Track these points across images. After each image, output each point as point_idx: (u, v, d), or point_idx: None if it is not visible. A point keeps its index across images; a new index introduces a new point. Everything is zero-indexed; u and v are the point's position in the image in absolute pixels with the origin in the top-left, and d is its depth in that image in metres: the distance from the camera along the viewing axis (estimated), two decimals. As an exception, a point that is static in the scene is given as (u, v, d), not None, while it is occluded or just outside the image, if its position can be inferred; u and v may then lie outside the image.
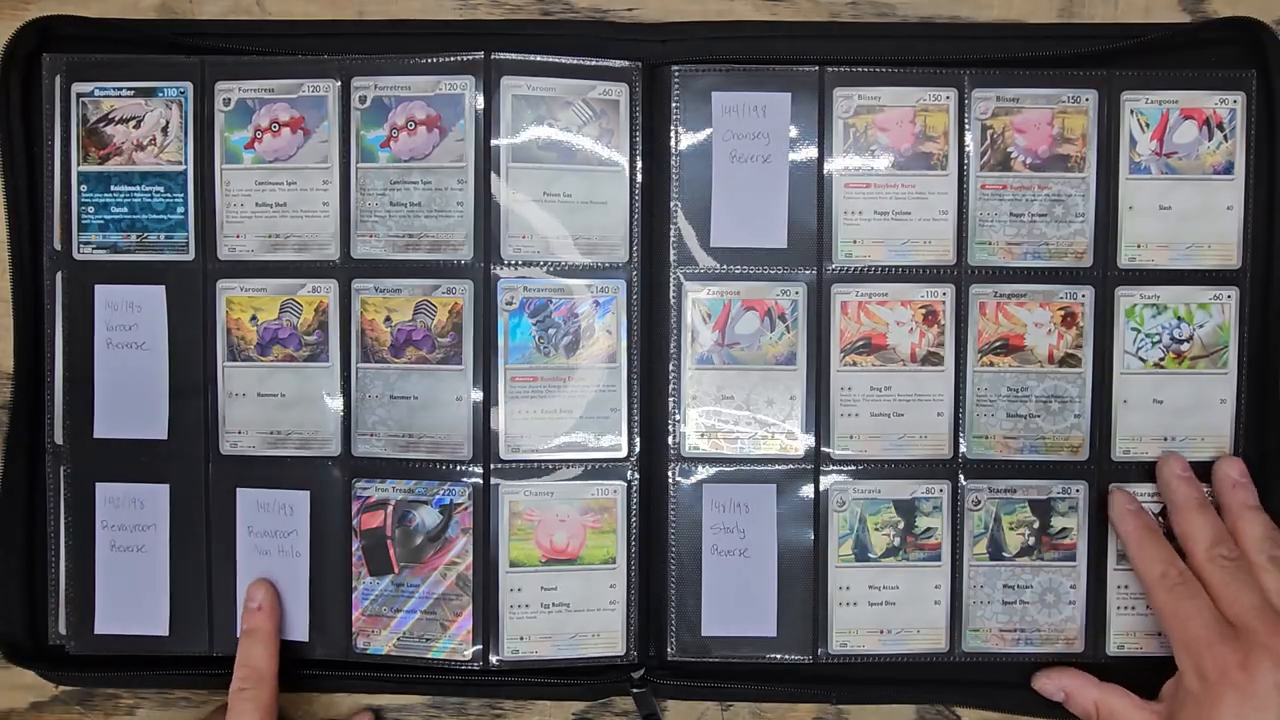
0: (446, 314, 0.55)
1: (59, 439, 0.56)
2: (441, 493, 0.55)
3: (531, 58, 0.55)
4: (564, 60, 0.55)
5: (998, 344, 0.57)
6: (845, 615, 0.57)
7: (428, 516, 0.55)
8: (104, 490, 0.56)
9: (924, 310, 0.57)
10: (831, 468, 0.57)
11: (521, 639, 0.55)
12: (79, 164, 0.56)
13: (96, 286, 0.56)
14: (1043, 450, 0.57)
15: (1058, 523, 0.57)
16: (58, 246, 0.56)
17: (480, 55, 0.55)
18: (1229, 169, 0.56)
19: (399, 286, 0.55)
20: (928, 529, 0.57)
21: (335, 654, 0.56)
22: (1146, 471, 0.57)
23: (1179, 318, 0.56)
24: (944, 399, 0.57)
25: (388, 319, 0.55)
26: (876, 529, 0.57)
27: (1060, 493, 0.57)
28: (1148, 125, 0.56)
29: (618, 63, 0.56)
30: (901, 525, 0.57)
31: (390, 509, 0.55)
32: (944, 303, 0.57)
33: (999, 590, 0.57)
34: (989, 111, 0.56)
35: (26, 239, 0.56)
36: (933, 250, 0.57)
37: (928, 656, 0.57)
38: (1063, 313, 0.56)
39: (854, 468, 0.57)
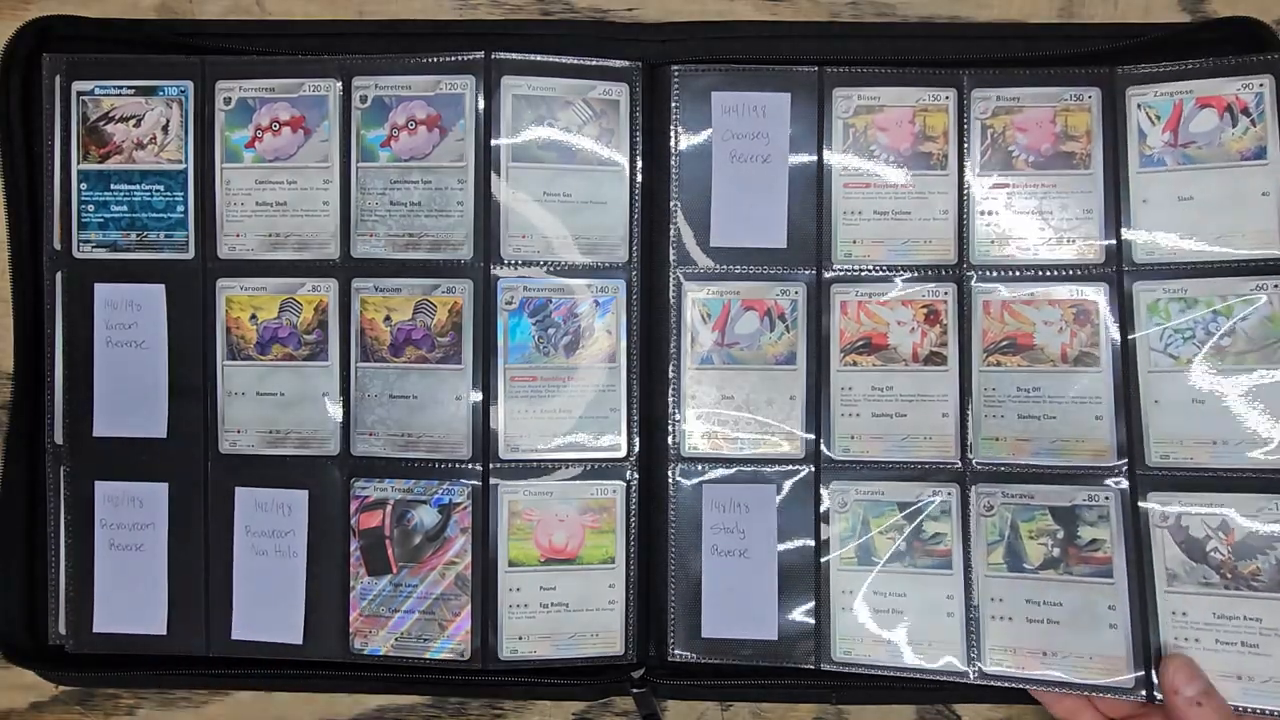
0: (446, 313, 0.55)
1: (59, 438, 0.56)
2: (440, 492, 0.55)
3: (532, 58, 0.55)
4: (564, 60, 0.55)
5: (1004, 343, 0.55)
6: (849, 621, 0.55)
7: (426, 516, 0.55)
8: (103, 489, 0.56)
9: (926, 310, 0.56)
10: (833, 468, 0.56)
11: (520, 639, 0.55)
12: (79, 162, 0.56)
13: (96, 285, 0.56)
14: (1061, 453, 0.54)
15: (1086, 533, 0.53)
16: (57, 245, 0.56)
17: (480, 55, 0.55)
18: (1260, 154, 0.53)
19: (399, 286, 0.55)
20: (936, 534, 0.55)
21: (333, 655, 0.55)
22: (1191, 479, 0.53)
23: (1214, 311, 0.53)
24: (949, 399, 0.55)
25: (387, 318, 0.55)
26: (881, 532, 0.55)
27: (1086, 500, 0.54)
28: (1158, 118, 0.54)
29: (618, 63, 0.56)
30: (908, 529, 0.55)
31: (389, 508, 0.55)
32: (946, 302, 0.56)
33: (1022, 606, 0.54)
34: (989, 111, 0.55)
35: (26, 238, 0.56)
36: (933, 250, 0.56)
37: (943, 675, 0.54)
38: (1075, 310, 0.55)
39: (856, 468, 0.56)
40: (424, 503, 0.55)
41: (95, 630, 0.56)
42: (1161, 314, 0.54)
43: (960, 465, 0.55)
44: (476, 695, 0.58)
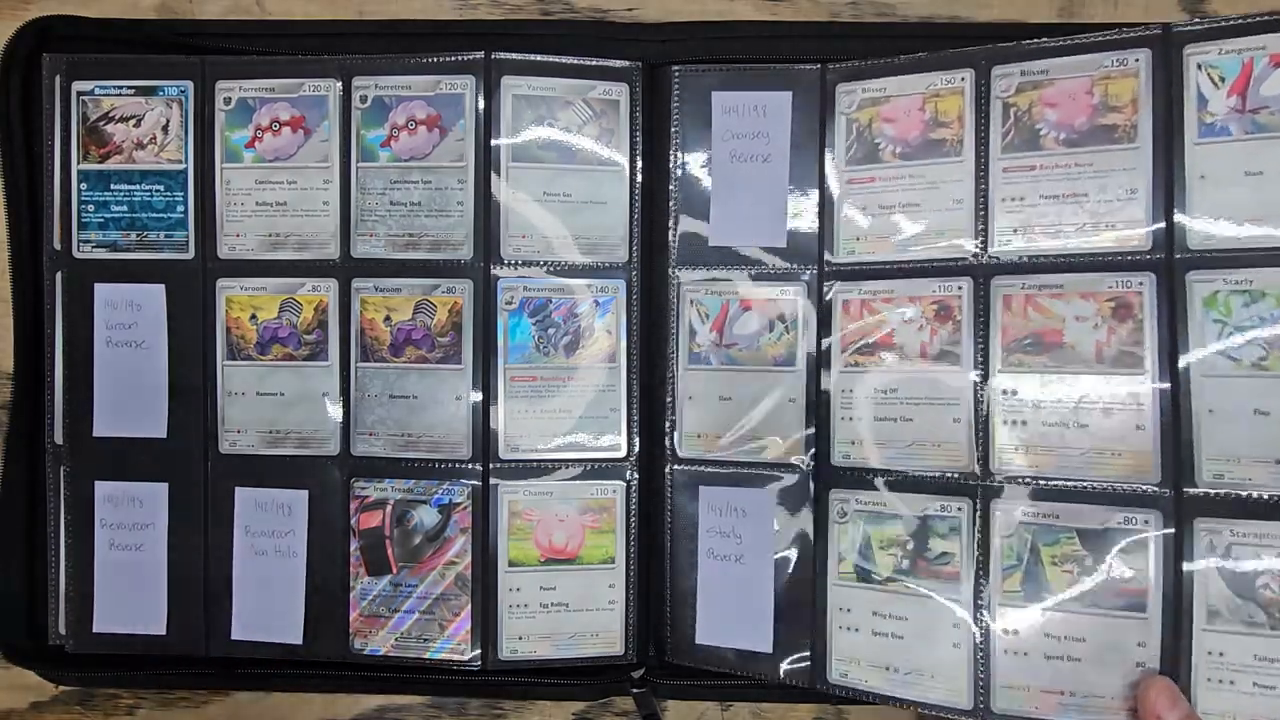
0: (446, 313, 0.55)
1: (59, 438, 0.56)
2: (440, 492, 0.55)
3: (532, 58, 0.55)
4: (564, 60, 0.55)
5: (1027, 341, 0.49)
6: (846, 641, 0.52)
7: (426, 516, 0.55)
8: (103, 489, 0.56)
9: (936, 306, 0.51)
10: (832, 475, 0.53)
11: (520, 639, 0.55)
12: (79, 162, 0.56)
13: (96, 285, 0.56)
14: (1094, 468, 0.48)
15: (1119, 561, 0.47)
16: (57, 245, 0.56)
17: (480, 55, 0.55)
18: None
19: (399, 286, 0.55)
20: (943, 554, 0.50)
21: (332, 655, 0.56)
22: (1247, 504, 0.45)
23: None
24: (960, 403, 0.50)
25: (387, 318, 0.55)
26: (881, 547, 0.52)
27: (1122, 523, 0.47)
28: (1222, 79, 0.46)
29: (618, 63, 0.56)
30: (911, 546, 0.51)
31: (389, 508, 0.55)
32: (960, 297, 0.51)
33: (1040, 640, 0.48)
34: (1012, 88, 0.50)
35: (26, 238, 0.56)
36: (946, 243, 0.52)
37: (945, 711, 0.50)
38: (1113, 304, 0.48)
39: (856, 476, 0.53)
40: (424, 503, 0.55)
41: (95, 630, 0.56)
42: (1220, 309, 0.46)
43: (974, 478, 0.50)
44: (476, 695, 0.58)
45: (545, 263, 0.55)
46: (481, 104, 0.55)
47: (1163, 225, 0.48)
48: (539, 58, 0.55)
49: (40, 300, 0.56)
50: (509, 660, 0.55)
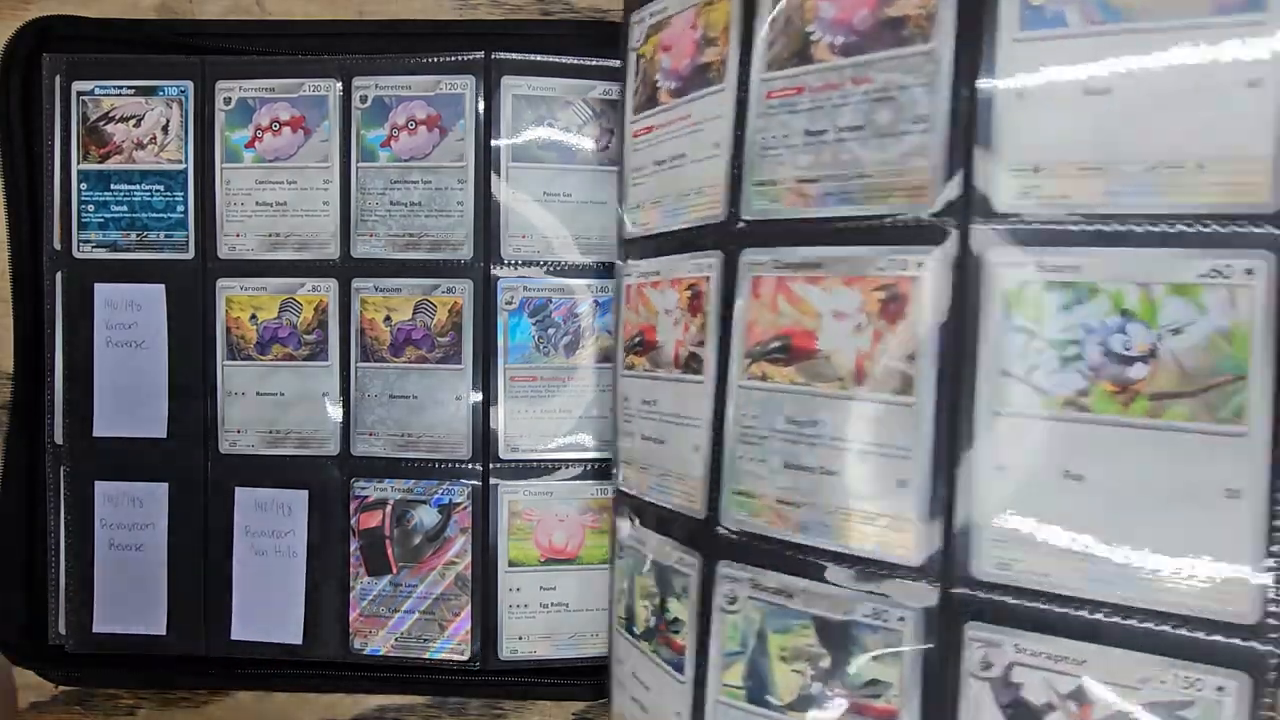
0: (446, 313, 0.55)
1: (59, 438, 0.56)
2: (440, 492, 0.55)
3: (532, 58, 0.55)
4: (564, 60, 0.55)
5: (775, 345, 0.35)
6: (619, 699, 0.44)
7: (426, 516, 0.55)
8: (103, 489, 0.56)
9: (690, 292, 0.39)
10: (620, 500, 0.44)
11: (520, 639, 0.55)
12: (79, 162, 0.56)
13: (96, 285, 0.56)
14: (843, 535, 0.34)
15: (862, 668, 0.33)
16: (57, 245, 0.56)
17: (480, 55, 0.55)
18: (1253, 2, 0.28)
19: (399, 286, 0.55)
20: (675, 620, 0.39)
21: (332, 655, 0.56)
22: (1041, 611, 0.30)
23: (1125, 312, 0.29)
24: (701, 425, 0.38)
25: (387, 318, 0.55)
26: (641, 596, 0.41)
27: (871, 616, 0.33)
28: None
29: (618, 63, 0.55)
30: (657, 602, 0.40)
31: (389, 508, 0.55)
32: (709, 279, 0.38)
33: None
34: None
35: (26, 238, 0.56)
36: (706, 203, 0.39)
37: None
38: (883, 296, 0.33)
39: (634, 506, 0.43)
40: (424, 503, 0.55)
41: (95, 630, 0.56)
42: (1028, 310, 0.31)
43: (704, 528, 0.38)
44: (476, 695, 0.58)
45: (545, 263, 0.55)
46: (481, 104, 0.55)
47: (960, 174, 0.32)
48: (539, 58, 0.55)
49: (40, 300, 0.56)
50: (509, 660, 0.55)
